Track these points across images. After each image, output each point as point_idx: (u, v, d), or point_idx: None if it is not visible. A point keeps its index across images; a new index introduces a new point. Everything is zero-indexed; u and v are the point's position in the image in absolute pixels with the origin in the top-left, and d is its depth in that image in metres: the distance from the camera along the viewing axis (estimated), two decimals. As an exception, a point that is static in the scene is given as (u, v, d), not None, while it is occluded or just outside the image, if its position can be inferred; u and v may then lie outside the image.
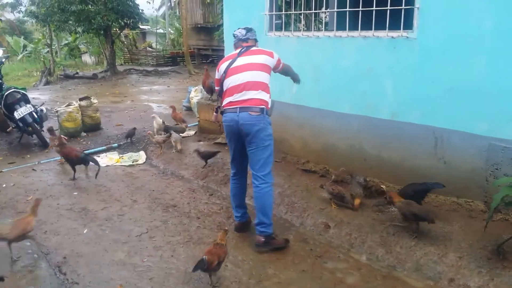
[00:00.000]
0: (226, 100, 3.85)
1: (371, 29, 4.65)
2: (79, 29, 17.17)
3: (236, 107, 3.73)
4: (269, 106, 3.84)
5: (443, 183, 4.17)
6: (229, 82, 3.83)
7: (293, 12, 5.61)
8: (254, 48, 3.97)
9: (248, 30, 4.05)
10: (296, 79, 4.42)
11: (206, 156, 5.84)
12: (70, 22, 16.69)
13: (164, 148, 6.58)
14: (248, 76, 3.75)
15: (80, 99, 7.96)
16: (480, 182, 4.11)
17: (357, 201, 4.42)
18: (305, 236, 4.20)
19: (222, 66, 3.95)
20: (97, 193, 5.10)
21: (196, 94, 9.47)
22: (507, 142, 3.86)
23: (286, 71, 4.28)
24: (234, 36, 4.07)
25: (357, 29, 4.76)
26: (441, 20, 4.13)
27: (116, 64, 19.34)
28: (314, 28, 6.07)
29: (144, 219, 4.45)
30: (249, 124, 3.69)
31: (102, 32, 17.46)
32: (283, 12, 5.54)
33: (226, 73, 3.86)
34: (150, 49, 25.71)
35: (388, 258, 3.75)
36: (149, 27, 29.97)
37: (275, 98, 4.06)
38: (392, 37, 4.50)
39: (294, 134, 5.74)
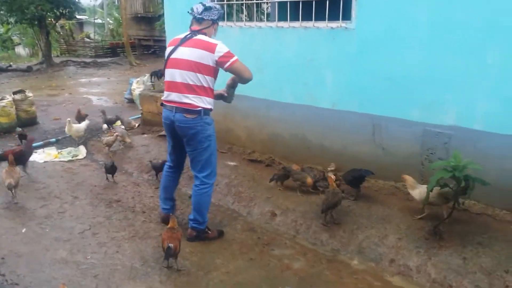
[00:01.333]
0: (164, 94, 3.65)
1: (312, 20, 4.73)
2: (11, 20, 16.20)
3: (173, 106, 3.53)
4: (210, 106, 3.62)
5: (382, 168, 4.37)
6: (167, 74, 3.59)
7: (235, 2, 5.59)
8: (199, 37, 3.48)
9: (206, 8, 3.55)
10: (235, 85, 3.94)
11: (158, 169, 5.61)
12: (1, 12, 15.73)
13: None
14: (184, 76, 3.45)
15: (14, 93, 7.54)
16: (417, 166, 4.32)
17: (309, 180, 4.49)
18: (252, 225, 4.24)
19: (167, 50, 3.64)
20: (35, 191, 4.88)
21: (138, 86, 9.27)
22: (441, 128, 4.08)
23: (238, 74, 3.64)
24: (189, 12, 3.64)
25: (298, 20, 4.83)
26: (379, 11, 4.27)
27: (52, 55, 18.47)
28: (256, 19, 6.09)
29: (87, 216, 4.32)
30: (185, 127, 3.54)
31: (36, 22, 16.57)
32: (225, 2, 5.51)
33: (166, 62, 3.59)
34: (88, 40, 24.72)
35: (332, 242, 3.88)
36: (86, 17, 28.72)
37: (219, 89, 4.04)
38: (332, 27, 4.61)
39: (239, 124, 5.76)
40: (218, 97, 3.92)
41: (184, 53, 3.49)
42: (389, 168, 4.47)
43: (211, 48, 3.43)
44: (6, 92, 11.39)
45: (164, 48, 4.30)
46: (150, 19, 18.05)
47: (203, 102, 3.51)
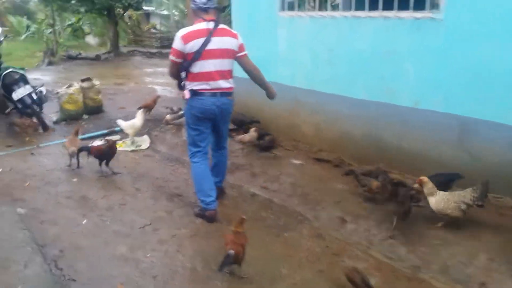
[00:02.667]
0: (202, 84, 3.75)
1: (393, 9, 4.31)
2: (82, 9, 16.72)
3: (216, 92, 3.79)
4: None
5: (467, 176, 3.89)
6: (206, 65, 3.70)
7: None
8: (222, 26, 3.79)
9: None
10: (265, 87, 4.16)
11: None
12: (73, 1, 16.26)
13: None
14: (224, 63, 3.77)
15: (82, 81, 7.63)
16: (510, 177, 3.81)
17: (375, 183, 4.12)
18: (319, 231, 3.91)
19: (195, 43, 3.62)
20: (97, 180, 4.82)
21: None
22: (543, 134, 3.56)
23: (246, 66, 4.01)
24: (193, 3, 3.72)
25: (377, 9, 4.42)
26: (471, 0, 3.78)
27: (120, 45, 18.92)
28: (327, 8, 5.72)
29: (148, 210, 4.18)
30: (228, 109, 3.95)
31: (105, 12, 17.01)
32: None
33: (201, 54, 3.65)
34: (154, 30, 25.20)
35: (411, 258, 3.46)
36: (153, 8, 29.36)
37: (287, 83, 3.85)
38: (416, 17, 4.17)
39: (306, 120, 5.44)
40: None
41: (220, 42, 3.72)
42: (476, 176, 3.95)
43: (235, 35, 3.84)
44: (75, 79, 11.74)
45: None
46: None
47: (232, 83, 3.94)
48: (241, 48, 3.87)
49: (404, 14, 4.25)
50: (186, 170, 5.23)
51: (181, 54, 3.68)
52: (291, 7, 5.38)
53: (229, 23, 12.58)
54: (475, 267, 3.25)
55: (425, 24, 4.11)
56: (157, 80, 12.21)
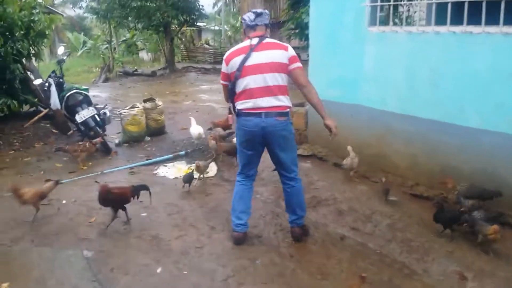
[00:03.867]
0: (244, 103, 3.56)
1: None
2: (139, 26, 16.83)
3: (261, 112, 3.49)
4: (290, 104, 3.63)
5: None
6: (245, 83, 3.52)
7: (404, 2, 4.63)
8: (267, 40, 3.55)
9: (258, 14, 3.60)
10: (318, 111, 3.73)
11: None
12: (130, 18, 16.40)
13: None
14: (267, 80, 3.47)
15: (144, 101, 7.32)
16: None
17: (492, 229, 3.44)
18: (439, 296, 3.23)
19: (235, 61, 3.55)
20: (168, 215, 4.35)
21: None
22: None
23: (296, 81, 3.62)
24: (242, 20, 3.75)
25: (497, 24, 3.74)
26: None
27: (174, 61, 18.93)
28: (414, 22, 5.05)
29: (227, 255, 3.65)
30: (277, 130, 3.54)
31: (161, 28, 17.04)
32: (392, 3, 4.57)
33: (241, 71, 3.51)
34: (207, 46, 25.23)
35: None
36: (204, 24, 29.56)
37: (375, 106, 3.29)
38: (552, 32, 3.45)
39: (399, 150, 4.76)
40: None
41: (260, 57, 3.49)
42: None
43: (284, 47, 3.54)
44: (132, 96, 11.64)
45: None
46: (271, 25, 17.67)
47: (287, 102, 3.57)
48: (292, 60, 3.52)
49: (535, 28, 3.55)
50: (261, 205, 4.70)
51: (226, 76, 3.66)
52: (383, 22, 4.76)
53: (286, 38, 12.15)
54: None
55: None
56: (213, 97, 11.89)
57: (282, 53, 3.49)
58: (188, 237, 3.93)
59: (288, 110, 3.55)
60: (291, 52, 3.53)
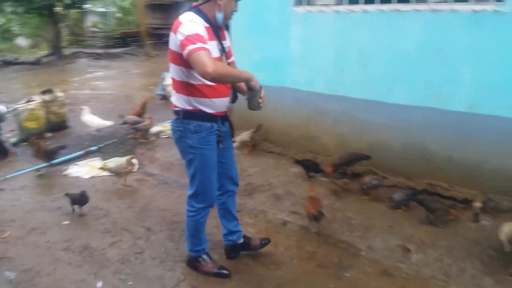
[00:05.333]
0: None
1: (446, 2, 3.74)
2: (20, 10, 15.05)
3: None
4: (190, 108, 2.70)
5: None
6: None
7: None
8: (181, 16, 2.58)
9: None
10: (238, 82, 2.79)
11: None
12: (9, 2, 14.60)
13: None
14: (171, 71, 2.72)
15: (42, 92, 6.50)
16: None
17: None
18: (383, 266, 3.25)
19: None
20: (95, 220, 3.87)
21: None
22: None
23: (193, 66, 2.45)
24: None
25: (425, 1, 3.83)
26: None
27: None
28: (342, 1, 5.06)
29: (172, 258, 3.33)
30: (173, 133, 2.87)
31: (44, 11, 15.42)
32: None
33: None
34: (96, 29, 23.51)
35: (505, 292, 2.92)
36: (89, 5, 27.51)
37: (302, 88, 3.12)
38: (475, 10, 3.60)
39: (327, 130, 4.76)
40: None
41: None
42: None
43: (175, 28, 2.50)
44: (17, 88, 10.41)
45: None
46: (166, 6, 16.92)
47: (179, 101, 2.73)
48: (182, 46, 2.44)
49: (460, 6, 3.69)
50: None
51: None
52: (310, 2, 4.66)
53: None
54: None
55: (487, 18, 3.56)
56: (112, 84, 11.10)
57: (173, 38, 2.54)
58: (123, 243, 3.52)
59: (178, 109, 2.74)
60: (180, 34, 2.45)
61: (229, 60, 2.86)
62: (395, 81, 4.16)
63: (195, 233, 3.07)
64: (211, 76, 2.35)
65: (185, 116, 2.71)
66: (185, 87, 2.66)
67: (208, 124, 2.74)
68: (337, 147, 4.74)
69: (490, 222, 3.69)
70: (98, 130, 6.26)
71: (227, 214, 3.26)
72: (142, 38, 17.22)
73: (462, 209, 3.79)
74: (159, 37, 19.06)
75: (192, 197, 2.94)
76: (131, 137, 6.15)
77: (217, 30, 2.71)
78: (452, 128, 3.92)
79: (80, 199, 3.89)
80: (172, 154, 5.44)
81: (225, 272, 3.09)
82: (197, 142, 2.75)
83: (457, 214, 3.65)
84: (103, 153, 5.68)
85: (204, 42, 2.42)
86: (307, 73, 4.72)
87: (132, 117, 6.13)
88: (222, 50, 2.73)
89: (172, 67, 2.67)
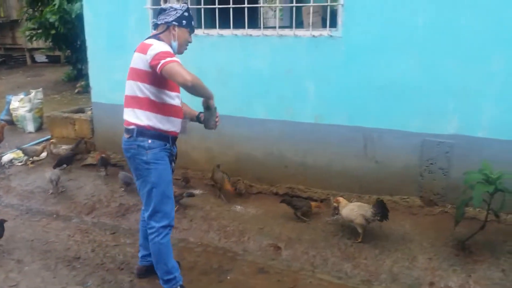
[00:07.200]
0: None
1: (292, 28, 4.31)
2: None
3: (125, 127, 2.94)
4: (149, 124, 2.82)
5: (375, 182, 4.29)
6: None
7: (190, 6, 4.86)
8: (145, 40, 2.83)
9: (161, 10, 2.95)
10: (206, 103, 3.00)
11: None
12: None
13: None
14: (127, 87, 2.87)
15: None
16: (415, 178, 4.20)
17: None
18: (259, 265, 3.63)
19: None
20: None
21: (22, 105, 7.69)
22: (442, 137, 4.00)
23: (172, 79, 2.67)
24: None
25: (274, 27, 4.36)
26: (368, 17, 4.04)
27: None
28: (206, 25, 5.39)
29: (51, 285, 3.25)
30: (127, 151, 2.91)
31: None
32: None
33: None
34: None
35: (358, 273, 3.49)
36: None
37: None
38: (314, 35, 4.24)
39: (196, 146, 5.03)
40: (195, 119, 3.29)
41: (133, 59, 2.85)
42: (384, 182, 4.29)
43: (144, 49, 2.72)
44: None
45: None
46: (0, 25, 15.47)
47: (136, 117, 2.83)
48: (155, 60, 2.62)
49: (302, 32, 4.29)
50: (63, 224, 4.33)
51: None
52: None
53: (28, 39, 10.92)
54: (420, 269, 3.44)
55: (324, 42, 4.21)
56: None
57: (141, 57, 2.73)
58: (-9, 279, 3.32)
59: (132, 127, 2.82)
60: (152, 51, 2.64)
61: None
62: (253, 98, 4.61)
63: (161, 258, 2.99)
64: (192, 83, 2.56)
65: (138, 134, 2.81)
66: (146, 103, 2.79)
67: (162, 142, 2.87)
68: (207, 161, 5.03)
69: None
70: None
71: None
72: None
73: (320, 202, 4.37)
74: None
75: (150, 217, 2.93)
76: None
77: None
78: (304, 137, 4.49)
79: None
80: (30, 181, 5.18)
81: None
82: (151, 158, 2.83)
83: (320, 206, 4.19)
84: None
85: (175, 57, 2.67)
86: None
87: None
88: None
89: (133, 84, 2.79)
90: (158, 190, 2.89)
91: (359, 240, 3.75)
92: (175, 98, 2.93)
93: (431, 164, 4.09)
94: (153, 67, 2.65)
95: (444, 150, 4.01)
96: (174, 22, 2.87)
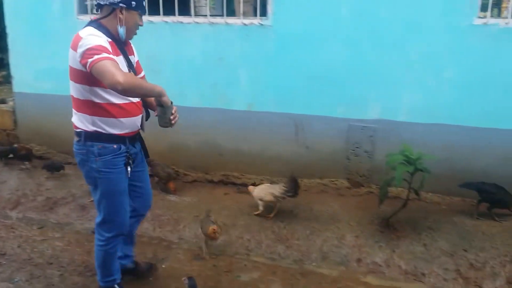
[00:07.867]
0: None
1: (223, 16, 4.34)
2: None
3: None
4: (95, 129, 2.51)
5: (306, 167, 4.46)
6: None
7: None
8: (80, 30, 2.41)
9: None
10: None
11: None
12: None
13: None
14: (70, 87, 2.52)
15: None
16: (342, 161, 4.41)
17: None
18: (195, 252, 3.68)
19: None
20: None
21: None
22: (366, 122, 4.24)
23: (101, 79, 2.25)
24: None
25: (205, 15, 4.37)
26: (298, 7, 4.16)
27: None
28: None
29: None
30: (75, 155, 2.64)
31: None
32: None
33: None
34: None
35: (291, 253, 3.64)
36: None
37: None
38: (245, 24, 4.30)
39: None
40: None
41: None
42: (314, 166, 4.47)
43: (75, 44, 2.33)
44: None
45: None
46: None
47: (81, 121, 2.53)
48: (84, 58, 2.25)
49: (233, 20, 4.33)
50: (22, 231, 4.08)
51: None
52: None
53: None
54: (348, 247, 3.65)
55: (255, 30, 4.28)
56: None
57: (73, 55, 2.35)
58: None
59: (80, 130, 2.53)
60: (81, 48, 2.26)
61: (139, 76, 2.75)
62: (185, 86, 4.60)
63: (105, 264, 2.83)
64: (122, 87, 2.15)
65: (87, 138, 2.50)
66: (88, 106, 2.45)
67: (115, 146, 2.54)
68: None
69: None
70: None
71: (128, 238, 3.06)
72: None
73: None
74: None
75: (99, 225, 2.73)
76: None
77: (122, 45, 2.56)
78: (237, 124, 4.56)
79: None
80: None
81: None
82: (102, 166, 2.53)
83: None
84: None
85: (109, 53, 2.25)
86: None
87: None
88: (130, 65, 2.60)
89: (72, 84, 2.46)
90: (108, 201, 2.65)
91: (271, 216, 3.98)
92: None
93: (357, 147, 4.32)
94: (84, 66, 2.29)
95: (368, 134, 4.24)
96: (121, 4, 2.42)
